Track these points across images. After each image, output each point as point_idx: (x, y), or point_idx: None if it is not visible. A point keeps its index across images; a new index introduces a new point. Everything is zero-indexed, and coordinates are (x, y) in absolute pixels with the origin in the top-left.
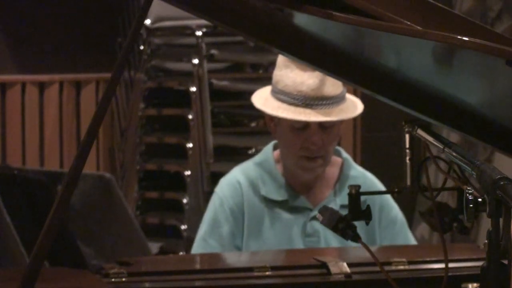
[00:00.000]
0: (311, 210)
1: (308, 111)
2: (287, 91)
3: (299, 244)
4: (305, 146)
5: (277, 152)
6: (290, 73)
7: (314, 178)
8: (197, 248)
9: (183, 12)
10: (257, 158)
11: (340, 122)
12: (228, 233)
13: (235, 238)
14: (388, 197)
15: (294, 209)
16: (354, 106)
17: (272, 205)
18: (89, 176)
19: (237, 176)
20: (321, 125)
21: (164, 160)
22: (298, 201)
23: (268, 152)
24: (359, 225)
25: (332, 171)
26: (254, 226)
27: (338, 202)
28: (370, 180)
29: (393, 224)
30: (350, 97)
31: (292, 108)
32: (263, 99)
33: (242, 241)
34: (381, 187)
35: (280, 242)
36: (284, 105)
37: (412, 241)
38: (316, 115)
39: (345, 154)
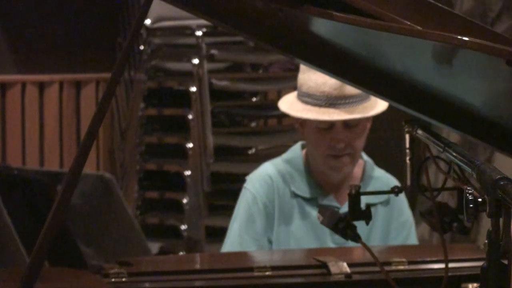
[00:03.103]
0: (339, 208)
1: (331, 110)
2: (310, 92)
3: (328, 241)
4: (332, 145)
5: (304, 152)
6: (313, 75)
7: (343, 179)
8: (231, 244)
9: (183, 12)
10: (286, 155)
11: (366, 120)
12: (262, 228)
13: (268, 232)
14: (404, 200)
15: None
16: (377, 104)
17: (301, 202)
18: (89, 176)
19: (268, 171)
20: (346, 124)
21: (164, 160)
22: (327, 199)
23: (297, 150)
24: (376, 224)
25: (356, 171)
26: (284, 220)
27: (363, 200)
28: (392, 181)
29: (404, 226)
30: (373, 97)
31: (316, 108)
32: (288, 103)
33: (273, 235)
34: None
35: (309, 238)
36: (309, 107)
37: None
38: (339, 113)
39: (365, 157)
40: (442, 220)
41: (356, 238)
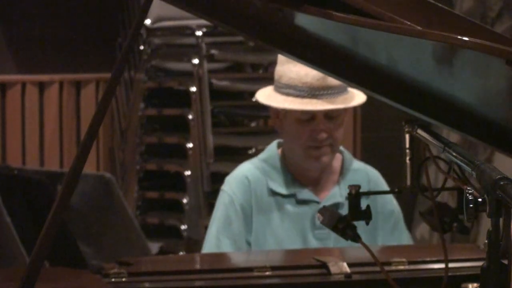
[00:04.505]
0: (318, 203)
1: (314, 101)
2: (292, 84)
3: (310, 237)
4: (312, 136)
5: (281, 150)
6: (293, 67)
7: (320, 172)
8: (209, 246)
9: (183, 12)
10: (262, 155)
11: (345, 111)
12: (240, 230)
13: (246, 234)
14: (386, 190)
15: (301, 203)
16: (355, 95)
17: (280, 199)
18: (89, 176)
19: (244, 172)
20: (327, 115)
21: (164, 160)
22: (305, 194)
23: (273, 149)
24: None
25: (335, 165)
26: (263, 220)
27: (343, 193)
28: (371, 172)
29: (390, 216)
30: (350, 88)
31: (298, 99)
32: (266, 96)
33: (251, 235)
34: (382, 179)
35: (290, 235)
36: (290, 98)
37: (407, 234)
38: (322, 104)
39: (343, 149)
40: (442, 220)
41: (356, 238)
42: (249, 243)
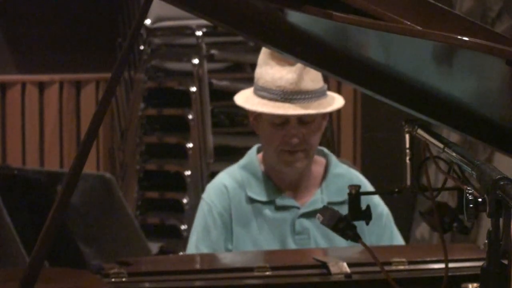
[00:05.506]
0: (298, 208)
1: (287, 105)
2: (266, 87)
3: (289, 243)
4: (285, 140)
5: (261, 155)
6: (270, 70)
7: (299, 177)
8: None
9: (183, 12)
10: (242, 161)
11: (322, 116)
12: (219, 238)
13: (226, 242)
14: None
15: (281, 209)
16: (334, 101)
17: (259, 206)
18: (89, 176)
19: (223, 180)
20: (301, 120)
21: (164, 160)
22: (285, 200)
23: (252, 155)
24: None
25: (317, 170)
26: (243, 228)
27: (325, 199)
28: (356, 176)
29: (379, 219)
30: (331, 93)
31: (271, 103)
32: (244, 98)
33: (232, 243)
34: (366, 183)
35: (270, 242)
36: (264, 101)
37: (397, 235)
38: (295, 108)
39: (328, 153)
40: (442, 220)
41: (356, 238)
42: (229, 251)
